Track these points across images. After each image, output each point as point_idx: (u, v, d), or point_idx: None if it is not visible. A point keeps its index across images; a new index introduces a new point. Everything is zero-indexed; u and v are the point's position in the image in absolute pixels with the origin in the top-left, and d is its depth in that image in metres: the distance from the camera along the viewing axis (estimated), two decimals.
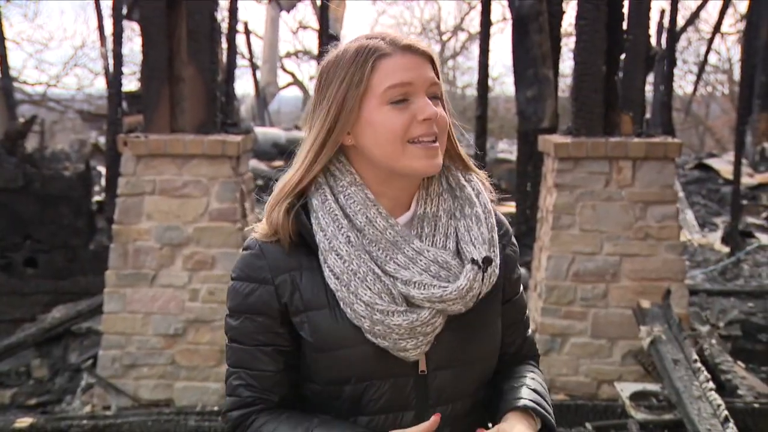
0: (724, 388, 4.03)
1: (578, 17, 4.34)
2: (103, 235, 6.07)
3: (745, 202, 7.70)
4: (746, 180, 8.42)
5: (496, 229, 1.28)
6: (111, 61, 6.29)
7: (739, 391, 3.83)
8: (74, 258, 6.15)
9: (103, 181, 7.73)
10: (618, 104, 4.47)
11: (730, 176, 8.83)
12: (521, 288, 1.39)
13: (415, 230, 1.25)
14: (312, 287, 1.23)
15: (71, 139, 13.44)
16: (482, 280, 1.21)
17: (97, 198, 7.08)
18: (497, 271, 1.24)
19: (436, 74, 1.24)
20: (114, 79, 6.23)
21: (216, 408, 3.97)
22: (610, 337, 4.31)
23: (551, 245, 4.36)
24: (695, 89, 11.37)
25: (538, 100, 5.59)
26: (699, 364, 3.57)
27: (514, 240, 1.37)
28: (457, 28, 20.92)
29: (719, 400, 3.27)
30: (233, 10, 6.09)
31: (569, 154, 4.31)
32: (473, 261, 1.21)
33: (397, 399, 1.24)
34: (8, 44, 9.67)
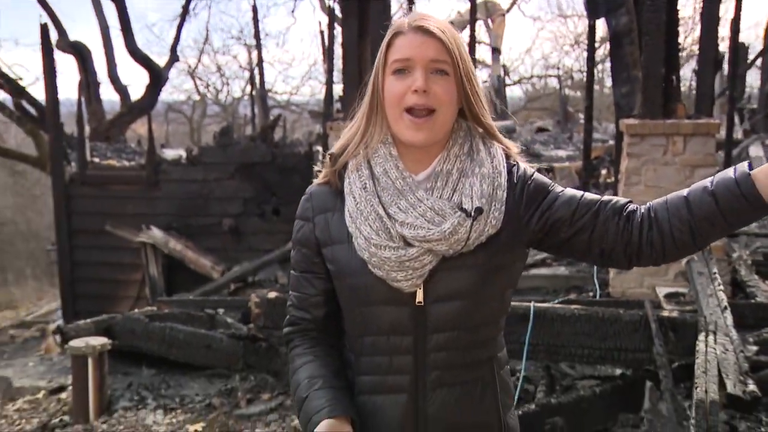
0: (748, 296, 5.63)
1: (644, 34, 6.09)
2: None
3: None
4: None
5: (503, 187, 1.35)
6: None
7: (757, 297, 5.41)
8: None
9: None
10: (676, 96, 6.16)
11: None
12: (561, 189, 1.41)
13: (429, 184, 1.36)
14: (339, 225, 1.38)
15: (304, 131, 18.83)
16: (470, 227, 1.30)
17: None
18: (494, 222, 1.32)
19: (449, 53, 1.30)
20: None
21: None
22: None
23: (623, 197, 6.18)
24: None
25: (630, 94, 7.22)
26: (716, 275, 5.21)
27: (538, 178, 1.40)
28: None
29: (723, 296, 4.85)
30: None
31: (637, 132, 6.07)
32: (461, 209, 1.32)
33: (396, 325, 1.35)
34: (265, 65, 13.62)
